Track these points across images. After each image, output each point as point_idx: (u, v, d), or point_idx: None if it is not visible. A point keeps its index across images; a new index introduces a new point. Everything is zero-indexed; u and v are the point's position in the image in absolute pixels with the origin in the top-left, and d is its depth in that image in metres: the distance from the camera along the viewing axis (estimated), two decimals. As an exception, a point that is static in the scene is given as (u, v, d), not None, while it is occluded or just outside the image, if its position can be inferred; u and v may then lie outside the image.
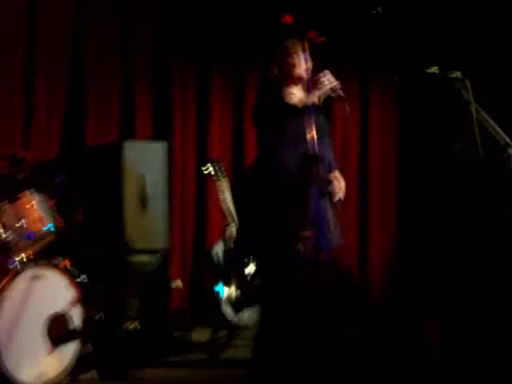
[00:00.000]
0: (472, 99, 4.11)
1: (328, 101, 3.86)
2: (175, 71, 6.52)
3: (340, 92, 3.70)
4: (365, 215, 7.29)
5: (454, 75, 4.13)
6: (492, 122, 4.02)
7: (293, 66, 3.77)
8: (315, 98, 3.68)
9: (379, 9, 4.99)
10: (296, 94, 3.80)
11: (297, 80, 3.80)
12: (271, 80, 3.89)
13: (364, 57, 6.89)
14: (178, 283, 6.09)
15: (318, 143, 3.56)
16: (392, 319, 6.31)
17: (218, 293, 5.28)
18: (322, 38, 3.67)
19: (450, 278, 5.08)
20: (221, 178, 5.49)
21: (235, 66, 6.83)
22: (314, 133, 3.50)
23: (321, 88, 3.66)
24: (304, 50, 3.60)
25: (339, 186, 3.75)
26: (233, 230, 5.37)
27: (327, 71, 3.70)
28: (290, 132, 3.63)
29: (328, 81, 3.64)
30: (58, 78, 5.87)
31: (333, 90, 3.69)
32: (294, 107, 3.68)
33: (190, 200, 6.55)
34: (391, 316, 6.54)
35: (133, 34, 6.28)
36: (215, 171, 5.50)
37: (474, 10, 6.60)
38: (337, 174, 3.80)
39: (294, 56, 3.76)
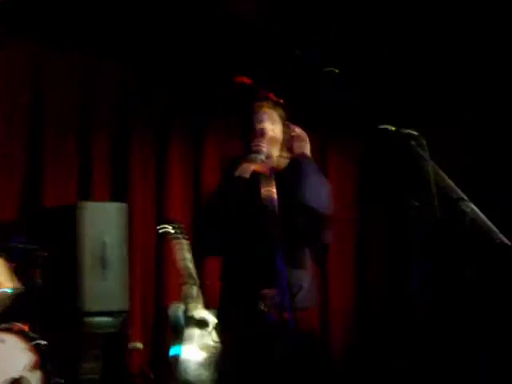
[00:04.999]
0: (428, 157, 4.18)
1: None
2: (134, 131, 6.55)
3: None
4: (324, 273, 7.32)
5: (409, 132, 4.20)
6: (447, 179, 4.09)
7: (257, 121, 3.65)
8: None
9: (332, 68, 5.04)
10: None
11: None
12: None
13: (323, 117, 7.01)
14: (137, 344, 6.02)
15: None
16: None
17: (176, 354, 5.27)
18: (281, 100, 3.70)
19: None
20: (180, 238, 5.50)
21: (194, 125, 6.89)
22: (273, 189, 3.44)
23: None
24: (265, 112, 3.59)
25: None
26: (192, 289, 5.37)
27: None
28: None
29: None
30: (14, 139, 5.86)
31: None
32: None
33: (151, 261, 6.50)
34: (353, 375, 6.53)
35: (92, 98, 6.31)
36: (175, 231, 5.53)
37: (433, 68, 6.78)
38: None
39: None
